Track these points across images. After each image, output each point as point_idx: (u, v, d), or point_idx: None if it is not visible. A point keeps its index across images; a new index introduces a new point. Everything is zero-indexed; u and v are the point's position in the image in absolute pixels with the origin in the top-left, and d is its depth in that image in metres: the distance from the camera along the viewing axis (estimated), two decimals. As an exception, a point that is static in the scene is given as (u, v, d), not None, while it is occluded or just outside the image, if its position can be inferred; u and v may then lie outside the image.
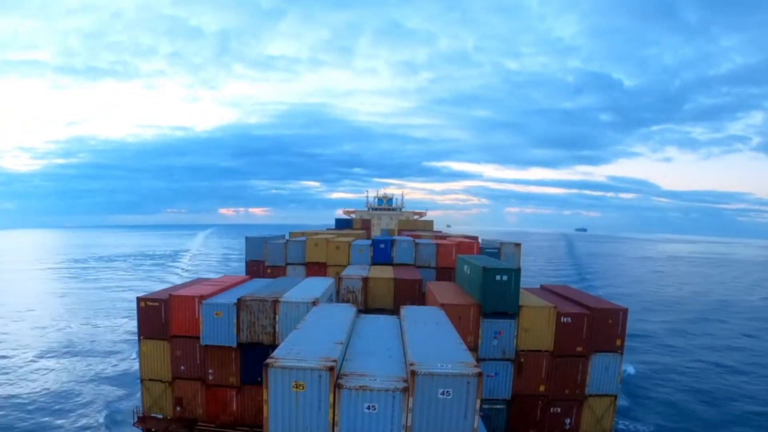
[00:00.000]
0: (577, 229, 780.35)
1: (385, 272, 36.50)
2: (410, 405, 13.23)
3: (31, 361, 50.65)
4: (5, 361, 50.51)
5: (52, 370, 47.95)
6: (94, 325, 67.14)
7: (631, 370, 49.04)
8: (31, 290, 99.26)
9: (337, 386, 13.32)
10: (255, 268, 45.27)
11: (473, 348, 25.18)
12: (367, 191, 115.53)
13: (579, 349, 26.09)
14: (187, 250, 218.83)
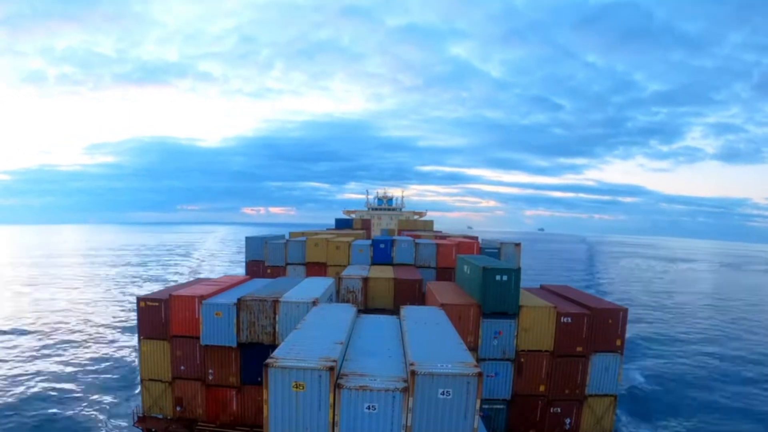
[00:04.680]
0: (539, 229, 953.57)
1: (385, 272, 36.49)
2: (410, 405, 13.23)
3: (31, 357, 50.66)
4: (5, 357, 50.52)
5: (52, 367, 47.93)
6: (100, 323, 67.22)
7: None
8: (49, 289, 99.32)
9: (337, 386, 13.32)
10: (255, 268, 45.27)
11: (473, 348, 25.16)
12: (367, 191, 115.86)
13: (579, 349, 26.08)
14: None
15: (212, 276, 50.61)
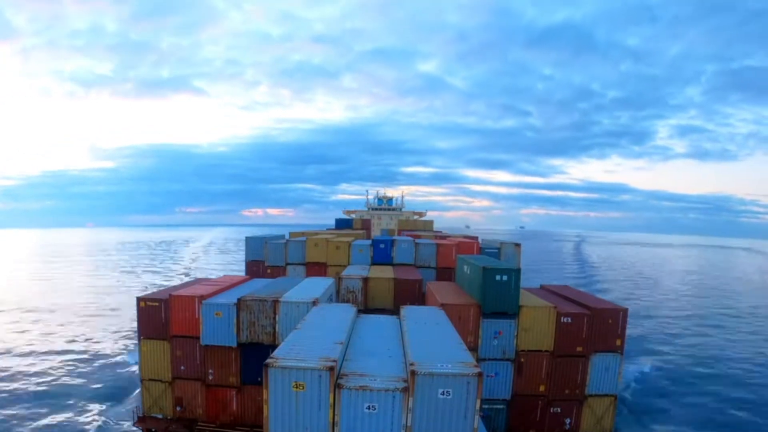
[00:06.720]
0: (520, 227, 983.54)
1: (385, 272, 36.49)
2: (410, 405, 13.24)
3: (31, 357, 50.65)
4: (5, 356, 50.51)
5: (50, 366, 47.91)
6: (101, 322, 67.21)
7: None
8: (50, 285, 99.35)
9: (337, 386, 13.33)
10: (255, 269, 45.28)
11: (473, 348, 25.18)
12: (367, 191, 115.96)
13: (579, 349, 26.09)
14: None
15: (206, 275, 50.52)
